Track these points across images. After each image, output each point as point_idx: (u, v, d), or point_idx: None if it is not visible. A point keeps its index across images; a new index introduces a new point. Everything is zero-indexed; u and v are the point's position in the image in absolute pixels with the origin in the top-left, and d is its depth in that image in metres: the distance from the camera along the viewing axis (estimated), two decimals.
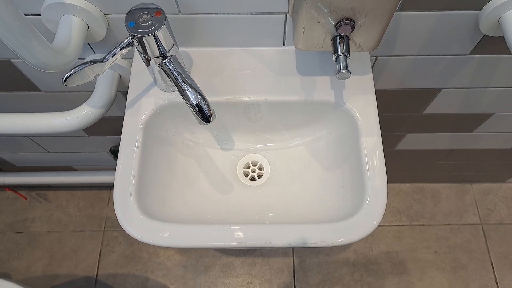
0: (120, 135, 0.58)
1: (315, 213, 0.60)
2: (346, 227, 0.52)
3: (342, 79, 0.49)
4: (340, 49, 0.49)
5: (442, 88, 0.75)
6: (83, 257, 1.29)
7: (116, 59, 0.49)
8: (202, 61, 0.62)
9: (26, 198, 1.35)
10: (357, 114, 0.58)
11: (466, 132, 0.94)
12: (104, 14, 0.55)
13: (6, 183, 1.16)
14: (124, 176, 0.55)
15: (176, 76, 0.51)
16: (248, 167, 0.69)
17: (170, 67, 0.51)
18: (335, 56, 0.49)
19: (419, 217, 1.32)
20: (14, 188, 1.26)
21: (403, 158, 1.10)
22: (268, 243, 0.51)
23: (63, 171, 1.17)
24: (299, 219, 0.60)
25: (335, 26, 0.48)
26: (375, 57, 0.65)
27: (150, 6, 0.49)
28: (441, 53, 0.65)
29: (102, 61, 0.48)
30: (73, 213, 1.35)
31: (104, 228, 1.32)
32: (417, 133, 0.95)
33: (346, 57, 0.49)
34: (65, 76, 0.47)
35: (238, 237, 0.52)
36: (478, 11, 0.55)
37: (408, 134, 0.96)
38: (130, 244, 1.28)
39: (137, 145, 0.56)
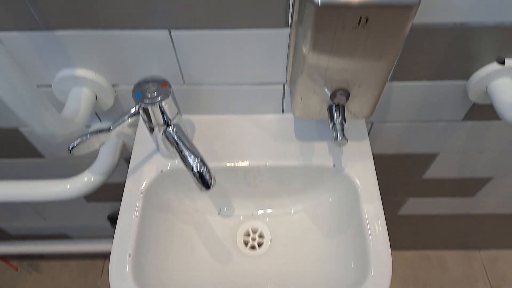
0: (119, 201, 0.58)
1: (318, 284, 0.58)
2: None
3: (340, 146, 0.50)
4: (336, 117, 0.51)
5: (439, 153, 0.77)
6: None
7: (122, 128, 0.51)
8: (204, 128, 0.64)
9: (17, 269, 1.30)
10: (357, 180, 0.59)
11: (468, 196, 0.94)
12: (112, 85, 0.59)
13: None
14: (122, 246, 0.53)
15: (179, 143, 0.52)
16: (248, 235, 0.68)
17: (173, 135, 0.53)
18: (332, 124, 0.51)
19: (427, 286, 1.26)
20: (6, 257, 1.22)
21: (406, 223, 1.08)
22: None
23: (58, 239, 1.14)
24: None
25: (330, 96, 0.50)
26: (371, 123, 0.68)
27: (157, 79, 0.52)
28: (434, 119, 0.67)
29: (108, 130, 0.50)
30: (65, 284, 1.29)
31: None
32: (418, 198, 0.95)
33: (343, 124, 0.51)
34: (71, 146, 0.48)
35: None
36: (465, 81, 0.58)
37: (410, 198, 0.95)
38: None
39: (136, 212, 0.56)
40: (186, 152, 0.52)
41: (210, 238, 0.67)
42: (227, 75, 0.56)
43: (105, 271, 1.30)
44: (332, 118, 0.52)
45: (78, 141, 0.48)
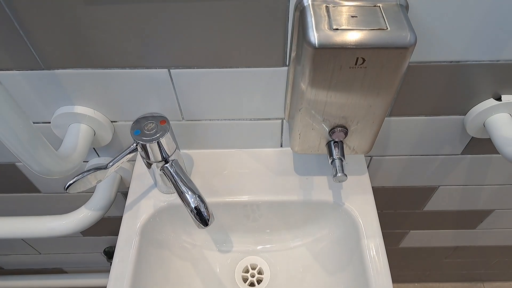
0: (116, 235, 0.56)
1: None
2: None
3: (339, 182, 0.50)
4: (335, 153, 0.51)
5: (439, 186, 0.76)
6: None
7: (119, 165, 0.51)
8: (203, 162, 0.64)
9: None
10: (357, 214, 0.58)
11: (470, 228, 0.92)
12: (111, 121, 0.59)
13: None
14: (118, 283, 0.52)
15: (176, 179, 0.52)
16: (247, 271, 0.66)
17: (171, 171, 0.53)
18: (331, 160, 0.51)
19: None
20: None
21: (408, 256, 1.06)
22: None
23: (53, 273, 1.11)
24: None
25: (329, 132, 0.51)
26: (370, 157, 0.68)
27: (156, 115, 0.52)
28: (433, 153, 0.67)
29: (105, 167, 0.49)
30: None
31: None
32: (419, 230, 0.93)
33: (342, 160, 0.51)
34: (68, 184, 0.47)
35: None
36: (463, 116, 0.59)
37: (411, 231, 0.94)
38: None
39: (133, 249, 0.55)
40: (184, 188, 0.51)
41: (208, 275, 0.65)
42: (226, 111, 0.57)
43: None
44: (331, 154, 0.52)
45: (74, 179, 0.48)
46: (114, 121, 0.59)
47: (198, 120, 0.59)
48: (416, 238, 0.97)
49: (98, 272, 1.09)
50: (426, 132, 0.62)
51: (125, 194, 0.78)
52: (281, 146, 0.65)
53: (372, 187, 0.61)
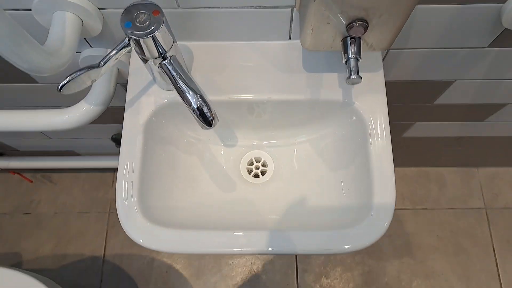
0: (121, 123, 0.56)
1: (321, 215, 0.59)
2: (353, 233, 0.51)
3: (352, 84, 0.46)
4: (351, 51, 0.46)
5: (455, 80, 0.72)
6: (90, 238, 1.31)
7: (114, 62, 0.47)
8: (203, 56, 0.59)
9: (32, 181, 1.36)
10: (366, 115, 0.56)
11: (478, 120, 0.91)
12: (99, 8, 0.52)
13: (10, 167, 1.16)
14: (126, 181, 0.53)
15: (176, 77, 0.48)
16: (252, 164, 0.68)
17: (170, 68, 0.49)
18: (346, 59, 0.46)
19: (422, 201, 1.32)
20: (19, 171, 1.26)
21: (409, 144, 1.08)
22: (271, 250, 0.51)
23: (67, 155, 1.17)
24: (304, 222, 0.59)
25: (346, 27, 0.44)
26: (386, 51, 0.62)
27: (147, 3, 0.45)
28: (457, 46, 0.61)
29: (98, 66, 0.45)
30: (78, 195, 1.36)
31: (110, 210, 1.33)
32: (426, 122, 0.93)
33: (357, 60, 0.46)
34: (61, 84, 0.44)
35: (241, 243, 0.51)
36: (501, 4, 0.51)
37: (417, 123, 0.93)
38: None
39: (138, 147, 0.55)
40: (185, 88, 0.48)
41: (214, 167, 0.67)
42: None
43: (115, 183, 1.36)
44: (346, 52, 0.47)
45: (67, 79, 0.44)
46: (102, 9, 0.52)
47: (196, 8, 0.52)
48: (421, 129, 0.97)
49: (109, 155, 1.14)
50: (455, 23, 0.55)
51: (124, 86, 0.75)
52: (290, 38, 0.58)
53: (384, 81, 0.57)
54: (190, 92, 0.48)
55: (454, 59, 0.65)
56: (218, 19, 0.54)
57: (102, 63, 0.45)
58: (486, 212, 1.30)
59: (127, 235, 0.51)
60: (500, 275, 1.23)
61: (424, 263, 1.25)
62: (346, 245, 0.51)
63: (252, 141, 0.67)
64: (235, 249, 0.51)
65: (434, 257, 1.25)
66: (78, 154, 1.20)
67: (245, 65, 0.58)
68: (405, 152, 1.17)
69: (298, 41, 0.59)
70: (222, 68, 0.58)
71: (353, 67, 0.45)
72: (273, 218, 0.61)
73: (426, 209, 1.30)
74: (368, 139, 0.55)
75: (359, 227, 0.51)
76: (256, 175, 0.67)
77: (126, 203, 0.52)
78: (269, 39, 0.59)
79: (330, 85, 0.57)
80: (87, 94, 0.63)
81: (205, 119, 0.48)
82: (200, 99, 0.47)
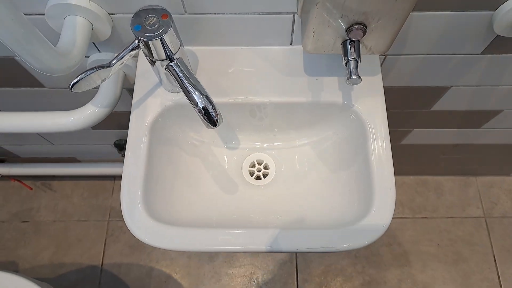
0: (125, 129, 0.57)
1: (322, 215, 0.60)
2: (353, 232, 0.52)
3: (353, 84, 0.48)
4: (351, 53, 0.48)
5: (451, 86, 0.74)
6: (89, 246, 1.30)
7: (123, 63, 0.48)
8: (208, 60, 0.61)
9: (31, 188, 1.36)
10: (366, 117, 0.57)
11: (474, 128, 0.93)
12: (108, 14, 0.54)
13: (11, 174, 1.16)
14: (131, 180, 0.54)
15: (182, 78, 0.50)
16: (254, 166, 0.69)
17: (177, 70, 0.51)
18: (345, 61, 0.48)
19: (421, 210, 1.32)
20: (19, 178, 1.27)
21: (408, 152, 1.10)
22: (273, 248, 0.51)
23: (68, 162, 1.18)
24: (305, 222, 0.60)
25: (346, 30, 0.47)
26: (384, 56, 0.64)
27: (156, 8, 0.48)
28: (451, 52, 0.63)
29: (108, 66, 0.47)
30: (77, 202, 1.36)
31: (109, 218, 1.33)
32: (423, 129, 0.95)
33: (357, 62, 0.48)
34: (72, 83, 0.46)
35: (243, 241, 0.52)
36: (492, 12, 0.54)
37: (415, 129, 0.95)
38: None
39: (143, 147, 0.56)
40: (191, 88, 0.50)
41: (216, 169, 0.68)
42: (232, 3, 0.52)
43: (115, 190, 1.37)
44: (346, 54, 0.49)
45: (78, 78, 0.46)
46: (112, 14, 0.54)
47: (202, 14, 0.54)
48: (418, 136, 0.98)
49: (110, 162, 1.15)
50: (449, 29, 0.57)
51: (130, 91, 0.77)
52: (291, 44, 0.61)
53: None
54: (196, 93, 0.49)
55: (449, 65, 0.67)
56: (223, 24, 0.56)
57: (111, 63, 0.47)
58: (485, 221, 1.30)
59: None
60: (502, 285, 1.23)
61: (424, 272, 1.25)
62: (346, 244, 0.51)
63: (254, 144, 0.69)
64: (237, 247, 0.52)
65: (434, 266, 1.25)
66: (79, 161, 1.21)
67: (248, 69, 0.60)
68: (404, 161, 1.18)
69: (300, 47, 0.61)
70: (225, 71, 0.60)
71: (353, 68, 0.47)
72: (275, 219, 0.62)
73: (425, 217, 1.31)
74: (367, 140, 0.56)
75: (360, 225, 0.52)
76: (258, 178, 0.68)
77: (131, 201, 0.53)
78: (271, 45, 0.61)
79: (330, 88, 0.59)
80: (94, 96, 0.64)
81: (210, 118, 0.50)
82: (205, 99, 0.49)
